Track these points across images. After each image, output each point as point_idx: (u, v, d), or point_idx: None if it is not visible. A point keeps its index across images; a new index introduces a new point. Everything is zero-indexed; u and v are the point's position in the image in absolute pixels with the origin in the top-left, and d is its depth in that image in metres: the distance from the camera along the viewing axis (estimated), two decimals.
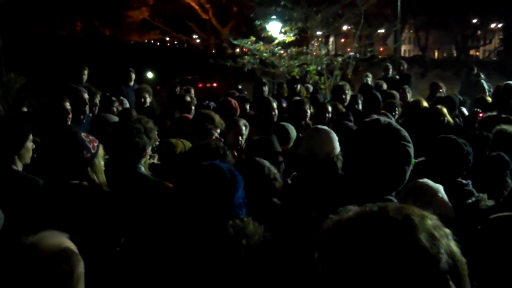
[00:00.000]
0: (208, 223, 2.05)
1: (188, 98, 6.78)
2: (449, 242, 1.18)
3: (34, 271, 1.51)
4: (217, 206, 2.09)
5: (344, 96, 7.62)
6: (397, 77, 12.02)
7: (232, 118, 5.05)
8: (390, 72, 12.26)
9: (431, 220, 1.20)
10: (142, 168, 3.13)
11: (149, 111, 6.68)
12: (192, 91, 8.91)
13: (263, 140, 4.44)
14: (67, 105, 4.93)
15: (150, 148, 3.28)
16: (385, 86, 9.69)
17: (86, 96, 5.50)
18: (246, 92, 9.97)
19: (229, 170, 2.19)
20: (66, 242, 1.63)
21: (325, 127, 3.79)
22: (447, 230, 1.20)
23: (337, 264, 1.20)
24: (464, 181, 3.43)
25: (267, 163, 2.95)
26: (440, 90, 9.23)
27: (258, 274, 1.92)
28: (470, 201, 2.97)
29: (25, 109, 6.32)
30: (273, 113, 6.26)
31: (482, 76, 11.61)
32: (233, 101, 6.22)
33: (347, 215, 1.25)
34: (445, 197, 2.88)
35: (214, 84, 21.93)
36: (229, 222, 2.04)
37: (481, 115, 6.10)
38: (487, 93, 10.31)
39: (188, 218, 2.12)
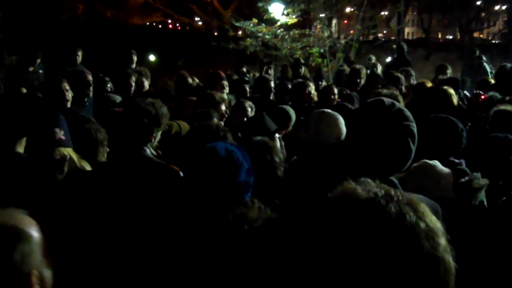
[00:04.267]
0: (206, 208, 2.02)
1: (190, 80, 6.79)
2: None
3: None
4: (215, 191, 2.05)
5: (359, 81, 7.54)
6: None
7: (238, 100, 5.07)
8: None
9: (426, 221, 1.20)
10: (148, 151, 3.11)
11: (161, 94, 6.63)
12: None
13: (253, 119, 4.42)
14: (66, 86, 4.92)
15: (159, 133, 3.24)
16: (380, 68, 9.69)
17: (90, 78, 5.48)
18: (250, 75, 9.96)
19: (228, 153, 2.10)
20: (13, 220, 1.58)
21: (331, 111, 3.76)
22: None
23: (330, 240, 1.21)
24: (456, 160, 3.41)
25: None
26: (448, 72, 9.15)
27: (262, 259, 1.86)
28: (463, 180, 2.97)
29: (24, 90, 6.31)
30: (270, 91, 6.36)
31: (484, 58, 11.55)
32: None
33: (354, 192, 1.26)
34: (450, 181, 2.88)
35: None
36: (229, 208, 1.99)
37: (483, 97, 6.07)
38: (490, 75, 10.28)
39: (187, 202, 2.10)
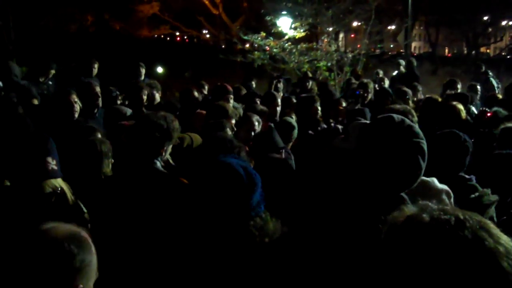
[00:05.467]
0: (228, 223, 2.03)
1: (196, 94, 6.82)
2: None
3: (40, 254, 1.57)
4: (236, 207, 2.06)
5: (366, 95, 7.58)
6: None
7: (245, 114, 5.09)
8: (402, 68, 12.20)
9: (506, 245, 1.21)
10: (158, 164, 3.12)
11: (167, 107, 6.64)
12: (206, 87, 8.94)
13: (263, 134, 4.44)
14: (74, 98, 4.96)
15: (170, 147, 3.24)
16: (387, 83, 9.70)
17: (98, 89, 5.52)
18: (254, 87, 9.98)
19: (245, 171, 2.13)
20: (78, 230, 1.69)
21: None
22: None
23: (400, 264, 1.24)
24: (467, 176, 3.42)
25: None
26: (458, 86, 9.08)
27: (280, 271, 1.87)
28: (473, 196, 2.98)
29: (35, 102, 6.34)
30: (277, 108, 6.33)
31: (491, 73, 11.52)
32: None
33: (422, 218, 1.27)
34: (447, 200, 2.88)
35: None
36: (250, 222, 2.00)
37: (489, 114, 6.08)
38: (496, 91, 10.26)
39: (207, 218, 2.09)
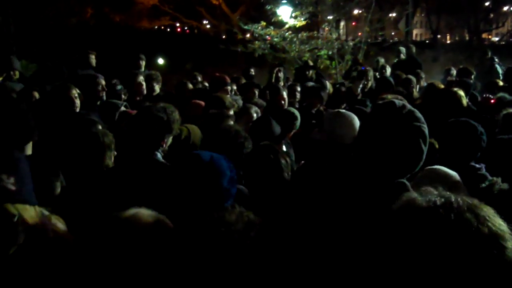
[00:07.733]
0: (188, 211, 2.07)
1: (190, 86, 6.80)
2: None
3: (135, 240, 1.66)
4: (196, 194, 2.13)
5: (366, 82, 7.58)
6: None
7: (244, 105, 5.07)
8: (402, 56, 12.11)
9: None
10: (159, 155, 3.15)
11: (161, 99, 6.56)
12: (199, 78, 8.93)
13: (260, 123, 4.41)
14: (74, 93, 4.92)
15: (170, 138, 3.26)
16: (388, 70, 9.63)
17: (103, 82, 5.51)
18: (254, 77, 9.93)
19: (212, 159, 2.20)
20: (156, 214, 1.78)
21: (346, 111, 3.76)
22: None
23: (402, 248, 1.24)
24: (477, 165, 3.40)
25: None
26: (472, 77, 8.86)
27: (243, 262, 1.78)
28: (483, 185, 2.96)
29: (36, 95, 6.31)
30: (282, 102, 6.25)
31: (496, 60, 11.40)
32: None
33: (420, 203, 1.28)
34: (461, 182, 2.87)
35: None
36: (209, 213, 1.95)
37: (492, 101, 6.04)
38: (501, 77, 10.15)
39: (177, 207, 2.15)
